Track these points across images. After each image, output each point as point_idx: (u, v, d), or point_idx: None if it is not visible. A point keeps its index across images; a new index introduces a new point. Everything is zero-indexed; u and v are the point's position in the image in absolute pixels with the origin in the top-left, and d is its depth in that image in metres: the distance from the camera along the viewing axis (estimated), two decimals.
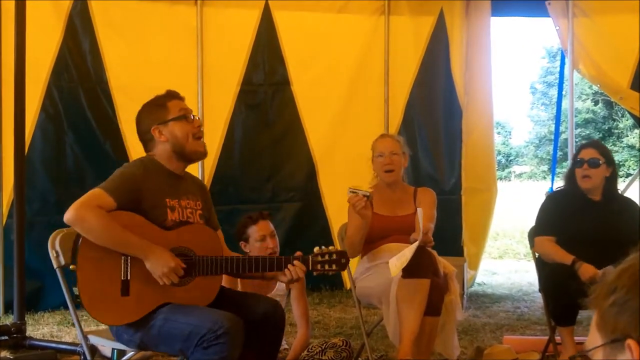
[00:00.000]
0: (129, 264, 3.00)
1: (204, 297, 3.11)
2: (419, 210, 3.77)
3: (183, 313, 2.98)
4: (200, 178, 6.29)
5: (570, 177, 4.37)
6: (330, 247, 3.27)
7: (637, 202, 4.53)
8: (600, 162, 4.23)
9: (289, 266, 3.19)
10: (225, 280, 4.03)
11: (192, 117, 3.25)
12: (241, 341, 2.94)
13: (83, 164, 6.12)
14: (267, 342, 3.16)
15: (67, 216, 2.94)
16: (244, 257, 3.21)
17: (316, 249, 3.26)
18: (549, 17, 6.73)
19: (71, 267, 3.00)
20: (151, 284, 2.99)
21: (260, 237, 4.19)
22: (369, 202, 3.82)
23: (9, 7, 5.00)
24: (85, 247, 2.97)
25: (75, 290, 3.00)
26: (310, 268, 3.22)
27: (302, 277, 3.24)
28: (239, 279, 4.06)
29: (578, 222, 4.18)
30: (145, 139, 3.25)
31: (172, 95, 3.28)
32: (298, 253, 3.30)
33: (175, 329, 2.95)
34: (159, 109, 3.23)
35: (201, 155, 3.31)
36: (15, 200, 4.82)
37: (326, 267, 3.23)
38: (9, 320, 4.85)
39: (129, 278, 2.99)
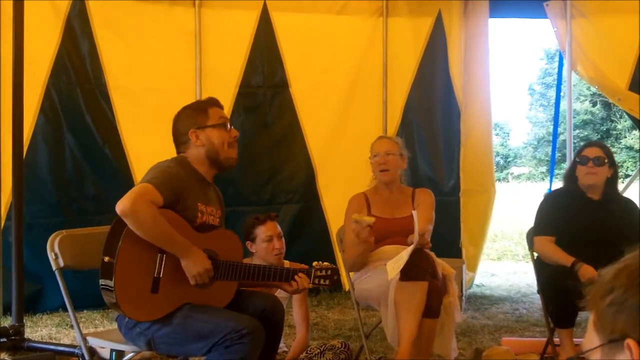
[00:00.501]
0: (163, 261, 3.04)
1: (221, 300, 3.19)
2: (414, 212, 3.77)
3: (203, 312, 3.05)
4: None
5: (570, 176, 4.37)
6: (326, 263, 3.43)
7: (637, 203, 4.54)
8: (605, 161, 4.25)
9: (296, 277, 3.32)
10: None
11: (229, 127, 3.35)
12: (261, 345, 3.01)
13: (82, 165, 6.12)
14: (266, 338, 3.18)
15: (122, 207, 2.93)
16: (260, 266, 3.31)
17: (315, 264, 3.40)
18: (547, 18, 6.74)
19: (106, 259, 3.00)
20: (178, 283, 3.05)
21: (267, 238, 4.23)
22: (371, 231, 3.84)
23: (7, 10, 4.99)
24: (128, 241, 2.98)
25: (102, 282, 3.00)
26: (310, 281, 3.38)
27: (307, 287, 3.39)
28: None
29: (577, 222, 4.18)
30: (180, 141, 3.31)
31: (213, 103, 3.38)
32: (303, 266, 3.46)
33: (195, 326, 3.01)
34: (200, 113, 3.30)
35: (233, 162, 3.40)
36: (14, 202, 4.82)
37: (322, 281, 3.40)
38: (8, 322, 4.84)
39: (160, 275, 3.04)
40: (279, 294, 4.13)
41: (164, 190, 3.01)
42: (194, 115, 3.31)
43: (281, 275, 3.31)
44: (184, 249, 3.03)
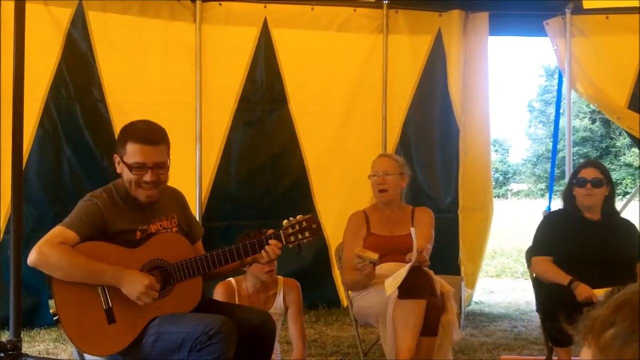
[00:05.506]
0: (107, 291, 2.99)
1: (190, 301, 3.13)
2: (412, 229, 3.77)
3: (173, 323, 2.99)
4: (197, 195, 6.33)
5: (568, 197, 4.38)
6: (298, 217, 3.27)
7: (636, 220, 4.54)
8: (604, 181, 4.26)
9: (265, 247, 3.19)
10: (222, 296, 4.03)
11: (144, 171, 3.11)
12: (235, 341, 2.94)
13: (81, 179, 6.10)
14: (257, 353, 3.15)
15: (30, 258, 2.93)
16: (216, 252, 3.15)
17: (285, 222, 3.25)
18: (546, 36, 6.76)
19: (51, 310, 2.97)
20: (134, 304, 3.00)
21: None
22: (374, 267, 3.83)
23: (8, 24, 5.00)
24: (59, 287, 2.96)
25: (61, 332, 2.98)
26: (284, 242, 3.22)
27: (279, 253, 3.23)
28: (236, 296, 4.06)
29: (576, 242, 4.18)
30: None
31: (137, 137, 3.13)
32: (270, 231, 3.27)
33: (168, 340, 2.95)
34: (121, 142, 3.17)
35: (143, 202, 3.18)
36: (13, 215, 4.80)
37: (299, 236, 3.23)
38: (5, 336, 4.81)
39: (111, 305, 2.99)
40: (274, 309, 4.13)
41: (77, 226, 2.99)
42: (118, 141, 3.19)
43: (246, 251, 3.16)
44: (115, 276, 2.96)
